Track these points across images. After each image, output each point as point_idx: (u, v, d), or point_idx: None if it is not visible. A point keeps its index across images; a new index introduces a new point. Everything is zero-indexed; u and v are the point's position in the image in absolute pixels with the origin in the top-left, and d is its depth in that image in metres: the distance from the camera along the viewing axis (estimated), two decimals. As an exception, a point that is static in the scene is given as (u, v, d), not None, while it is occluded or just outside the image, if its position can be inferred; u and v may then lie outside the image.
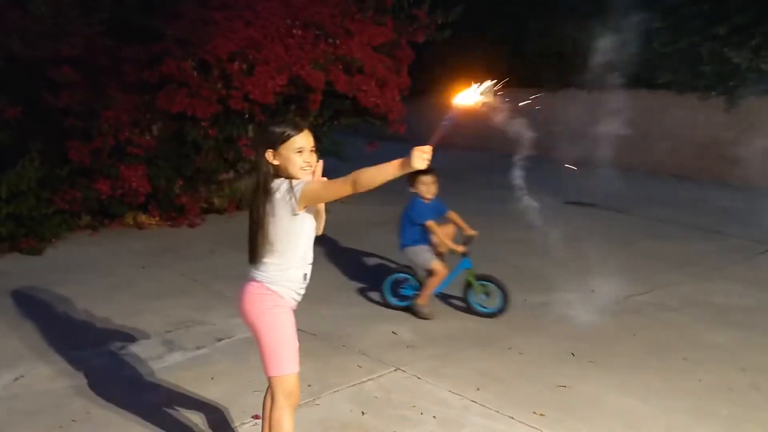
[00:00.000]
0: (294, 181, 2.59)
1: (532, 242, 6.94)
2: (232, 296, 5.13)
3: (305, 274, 2.71)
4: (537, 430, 3.26)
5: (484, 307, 4.92)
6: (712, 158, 11.09)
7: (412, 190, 4.88)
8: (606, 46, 11.46)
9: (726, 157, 10.91)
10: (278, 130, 2.64)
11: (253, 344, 3.99)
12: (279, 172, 2.63)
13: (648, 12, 10.85)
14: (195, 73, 6.89)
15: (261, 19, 7.06)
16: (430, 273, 4.82)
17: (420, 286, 4.91)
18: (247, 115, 7.19)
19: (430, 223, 4.81)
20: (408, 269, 5.04)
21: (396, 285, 5.04)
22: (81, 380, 3.81)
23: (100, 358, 4.10)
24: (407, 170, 2.38)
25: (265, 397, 2.89)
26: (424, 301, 4.86)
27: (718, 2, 10.16)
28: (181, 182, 7.26)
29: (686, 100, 11.23)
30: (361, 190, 2.46)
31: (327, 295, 5.07)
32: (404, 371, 3.90)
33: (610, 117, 12.14)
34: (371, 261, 6.22)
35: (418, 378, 3.81)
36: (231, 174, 7.79)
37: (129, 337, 4.40)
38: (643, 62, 11.14)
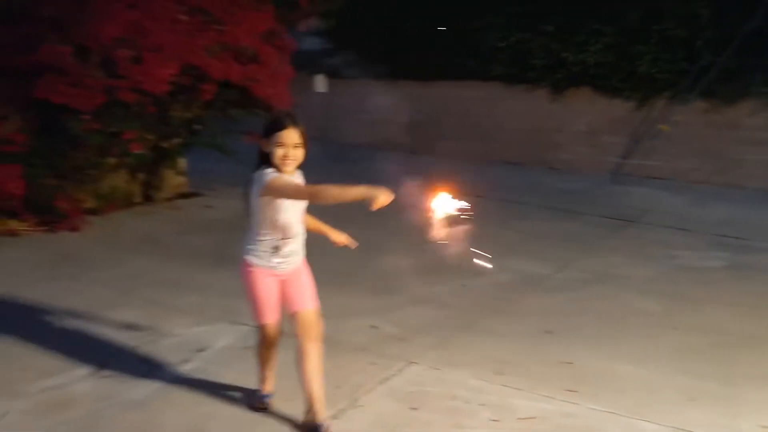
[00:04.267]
0: (267, 171, 3.03)
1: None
2: (176, 304, 4.80)
3: (276, 246, 3.12)
4: (581, 406, 3.49)
5: None
6: (537, 145, 12.18)
7: None
8: (442, 41, 12.14)
9: (550, 144, 12.08)
10: (271, 122, 3.08)
11: (244, 349, 3.82)
12: (270, 159, 3.05)
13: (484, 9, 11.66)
14: (74, 60, 6.20)
15: (145, 2, 6.52)
16: None
17: None
18: (135, 107, 6.61)
19: None
20: None
21: None
22: (77, 411, 3.37)
23: (82, 384, 3.64)
24: (366, 199, 2.73)
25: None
26: None
27: (543, 3, 11.14)
28: (54, 182, 6.51)
29: (513, 91, 12.16)
30: (317, 202, 2.94)
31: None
32: (418, 363, 3.94)
33: (444, 108, 12.87)
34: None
35: (437, 369, 3.87)
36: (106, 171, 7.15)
37: (92, 357, 3.94)
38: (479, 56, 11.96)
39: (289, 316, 3.22)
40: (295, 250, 3.19)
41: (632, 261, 6.33)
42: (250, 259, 3.15)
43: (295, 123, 3.05)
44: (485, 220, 7.91)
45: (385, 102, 13.37)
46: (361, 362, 3.94)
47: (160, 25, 6.43)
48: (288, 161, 3.03)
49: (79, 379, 3.69)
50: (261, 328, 3.27)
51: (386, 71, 13.04)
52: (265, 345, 3.32)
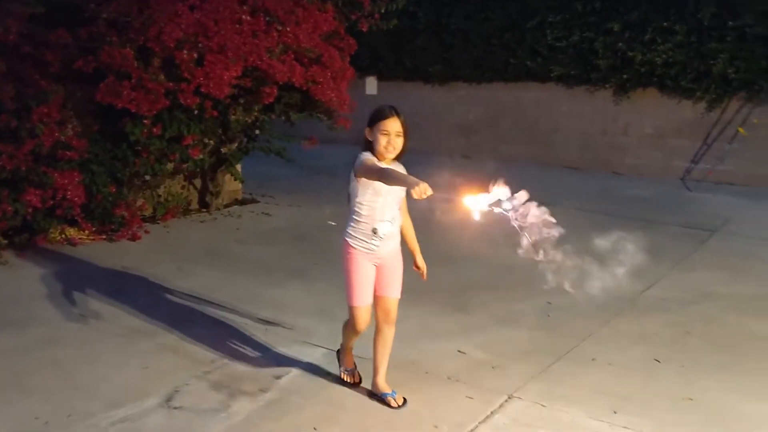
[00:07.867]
0: (364, 154, 3.20)
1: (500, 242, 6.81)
2: (247, 324, 4.48)
3: (374, 229, 3.25)
4: (717, 452, 3.07)
5: None
6: (600, 149, 11.64)
7: None
8: (497, 41, 11.70)
9: (614, 147, 11.54)
10: (375, 111, 3.25)
11: (327, 376, 3.70)
12: (371, 147, 3.22)
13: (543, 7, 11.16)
14: (135, 63, 5.94)
15: (207, 2, 6.24)
16: None
17: None
18: (196, 111, 6.33)
19: None
20: None
21: None
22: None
23: (154, 416, 3.32)
24: (408, 189, 2.88)
25: None
26: None
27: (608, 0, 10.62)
28: (113, 189, 6.26)
29: (574, 93, 11.65)
30: (385, 182, 3.08)
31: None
32: (520, 398, 3.54)
33: (500, 110, 12.42)
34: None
35: (543, 405, 3.47)
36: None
37: (160, 384, 3.63)
38: (537, 56, 11.47)
39: (374, 297, 3.38)
40: (392, 233, 3.33)
41: (730, 277, 5.82)
42: (350, 241, 3.30)
43: (398, 113, 3.22)
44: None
45: (436, 104, 12.99)
46: (457, 395, 3.56)
47: (224, 26, 6.14)
48: (390, 148, 3.20)
49: (150, 411, 3.38)
50: (351, 311, 3.36)
51: (439, 73, 12.65)
52: (353, 330, 3.41)
